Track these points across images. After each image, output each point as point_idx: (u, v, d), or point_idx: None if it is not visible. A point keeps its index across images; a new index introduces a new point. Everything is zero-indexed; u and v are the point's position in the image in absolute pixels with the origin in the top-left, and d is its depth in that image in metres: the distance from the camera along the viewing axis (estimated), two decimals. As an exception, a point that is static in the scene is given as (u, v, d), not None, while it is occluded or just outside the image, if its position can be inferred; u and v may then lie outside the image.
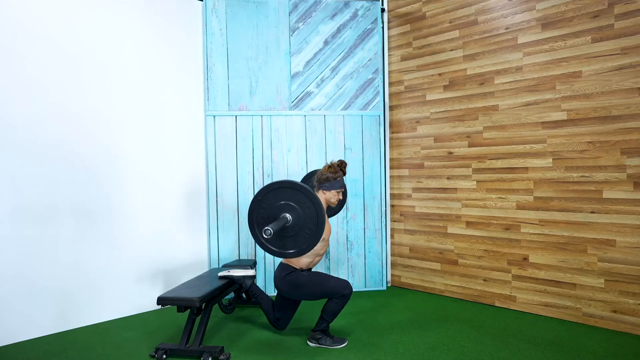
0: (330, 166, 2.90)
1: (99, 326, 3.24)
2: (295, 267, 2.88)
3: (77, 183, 3.22)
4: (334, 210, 3.41)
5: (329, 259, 4.05)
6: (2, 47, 2.89)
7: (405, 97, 4.15)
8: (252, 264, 3.57)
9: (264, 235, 2.38)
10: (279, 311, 3.00)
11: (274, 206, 2.56)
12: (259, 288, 3.11)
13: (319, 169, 3.04)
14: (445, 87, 3.88)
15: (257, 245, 3.95)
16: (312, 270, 3.01)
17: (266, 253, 3.96)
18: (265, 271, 3.98)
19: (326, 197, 2.89)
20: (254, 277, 3.09)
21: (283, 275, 2.86)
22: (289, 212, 2.55)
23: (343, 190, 2.93)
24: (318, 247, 2.82)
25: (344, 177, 2.94)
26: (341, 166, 2.91)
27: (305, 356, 2.67)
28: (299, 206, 2.54)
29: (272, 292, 3.97)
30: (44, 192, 3.06)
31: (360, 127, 4.08)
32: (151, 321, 3.34)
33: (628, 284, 2.98)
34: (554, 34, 3.27)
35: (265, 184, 3.94)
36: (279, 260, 3.88)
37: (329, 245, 2.98)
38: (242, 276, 3.04)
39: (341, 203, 3.38)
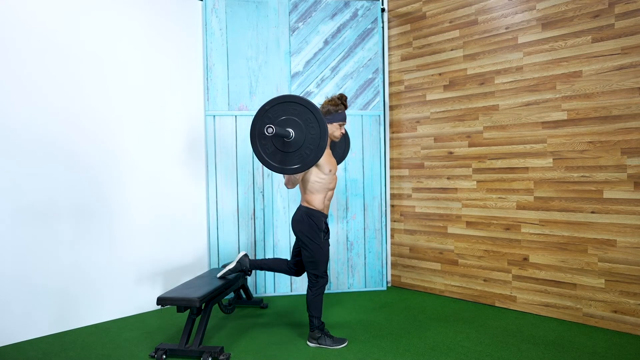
0: (330, 100, 2.85)
1: (98, 326, 3.24)
2: (312, 206, 2.82)
3: (77, 183, 3.22)
4: (339, 155, 3.33)
5: (328, 259, 4.04)
6: (1, 47, 2.89)
7: (406, 97, 4.15)
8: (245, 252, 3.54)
9: (266, 133, 2.33)
10: (297, 255, 2.99)
11: (276, 122, 2.51)
12: (257, 259, 3.10)
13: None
14: (446, 87, 3.88)
15: (256, 246, 3.95)
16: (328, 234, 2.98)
17: (266, 253, 3.96)
18: (264, 271, 3.98)
19: (329, 130, 2.83)
20: (246, 254, 3.07)
21: (301, 216, 2.82)
22: (292, 126, 2.51)
23: (344, 123, 2.89)
24: (327, 179, 2.79)
25: (345, 111, 2.89)
26: (342, 99, 2.86)
27: (305, 356, 2.67)
28: (300, 119, 2.49)
29: (277, 292, 3.97)
30: (43, 192, 3.06)
31: (360, 127, 4.08)
32: (151, 321, 3.34)
33: (628, 284, 2.98)
34: (554, 33, 3.26)
35: (266, 189, 3.94)
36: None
37: (336, 182, 2.94)
38: (238, 262, 3.03)
39: (345, 146, 3.32)
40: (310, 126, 2.49)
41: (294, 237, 3.32)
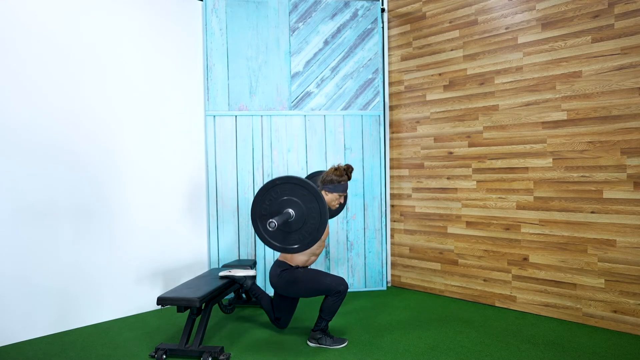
0: (336, 169, 2.90)
1: (98, 326, 3.24)
2: (290, 264, 2.88)
3: (77, 183, 3.22)
4: (331, 213, 3.40)
5: (328, 259, 4.05)
6: (1, 47, 2.89)
7: (405, 97, 4.15)
8: (252, 264, 3.57)
9: (269, 228, 2.36)
10: (278, 311, 3.00)
11: (277, 202, 2.55)
12: (259, 288, 3.12)
13: (323, 170, 3.04)
14: (446, 87, 3.88)
15: (256, 245, 3.95)
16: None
17: (266, 253, 3.96)
18: (265, 271, 3.98)
19: (328, 198, 2.88)
20: (254, 277, 3.09)
21: (279, 272, 2.86)
22: (292, 207, 2.54)
23: (345, 195, 2.93)
24: (315, 246, 2.83)
25: (348, 182, 2.94)
26: (347, 171, 2.91)
27: (305, 356, 2.67)
28: (301, 201, 2.52)
29: (271, 291, 3.96)
30: (44, 192, 3.06)
31: (360, 127, 4.08)
32: (151, 321, 3.34)
33: (628, 284, 2.98)
34: (554, 33, 3.26)
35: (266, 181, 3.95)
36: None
37: (324, 247, 2.98)
38: (244, 276, 3.04)
39: (340, 207, 3.38)
40: (311, 210, 2.52)
41: None
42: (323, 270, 4.03)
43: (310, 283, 2.79)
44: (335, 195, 2.88)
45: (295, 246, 2.57)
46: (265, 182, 2.65)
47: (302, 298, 3.17)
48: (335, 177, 2.86)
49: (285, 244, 2.59)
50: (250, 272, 3.06)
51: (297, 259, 2.88)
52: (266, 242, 2.61)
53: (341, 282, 2.76)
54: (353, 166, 4.02)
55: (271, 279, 2.90)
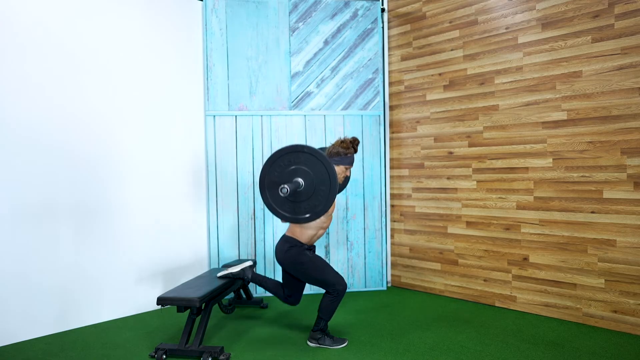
0: (342, 141, 2.86)
1: (98, 326, 3.24)
2: (298, 239, 2.83)
3: (77, 183, 3.22)
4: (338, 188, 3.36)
5: (329, 259, 4.05)
6: (1, 47, 2.89)
7: (405, 97, 4.15)
8: (252, 263, 3.57)
9: (281, 194, 2.34)
10: (288, 288, 2.95)
11: (285, 172, 2.53)
12: (260, 275, 3.08)
13: (326, 147, 3.00)
14: (446, 87, 3.88)
15: (256, 245, 3.95)
16: (314, 251, 2.98)
17: (266, 252, 3.96)
18: (265, 271, 3.98)
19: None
20: (252, 267, 3.06)
21: (286, 248, 2.82)
22: (301, 176, 2.52)
23: (351, 167, 2.90)
24: (321, 219, 2.79)
25: (354, 155, 2.90)
26: (353, 143, 2.87)
27: (305, 356, 2.67)
28: (310, 169, 2.50)
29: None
30: (44, 191, 3.06)
31: (360, 127, 4.08)
32: (151, 321, 3.34)
33: (628, 284, 2.98)
34: (554, 33, 3.26)
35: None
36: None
37: (332, 220, 2.95)
38: (242, 269, 3.02)
39: (346, 180, 3.34)
40: (321, 177, 2.50)
41: None
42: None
43: (313, 271, 2.76)
44: (341, 167, 2.84)
45: (307, 215, 2.54)
46: (272, 152, 2.60)
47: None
48: (341, 150, 2.82)
49: (296, 214, 2.55)
50: (246, 264, 3.04)
51: (306, 232, 2.83)
52: (276, 213, 2.56)
53: (341, 282, 2.75)
54: (353, 166, 4.03)
55: (277, 254, 2.86)
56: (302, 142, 4.00)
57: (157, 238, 3.66)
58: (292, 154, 2.52)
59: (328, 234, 4.02)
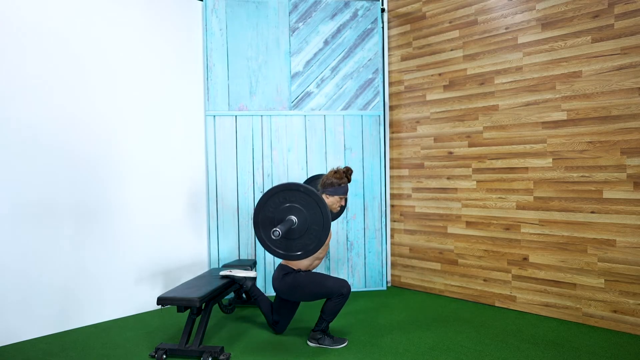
0: (336, 172, 2.91)
1: (99, 326, 3.24)
2: (294, 268, 2.89)
3: (77, 182, 3.22)
4: (332, 216, 3.40)
5: (329, 259, 4.05)
6: (2, 46, 2.89)
7: (405, 97, 4.15)
8: (252, 264, 3.57)
9: (273, 237, 2.37)
10: (277, 314, 3.00)
11: (279, 209, 2.57)
12: (259, 290, 3.12)
13: (323, 174, 3.05)
14: (445, 87, 3.88)
15: (256, 246, 3.95)
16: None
17: (266, 253, 3.96)
18: (265, 271, 3.98)
19: (329, 202, 2.89)
20: (254, 278, 3.09)
21: (282, 275, 2.87)
22: (294, 214, 2.56)
23: (345, 197, 2.94)
24: (318, 250, 2.82)
25: (348, 185, 2.95)
26: (347, 173, 2.92)
27: (305, 356, 2.67)
28: (304, 208, 2.54)
29: (271, 292, 3.97)
30: (44, 191, 3.06)
31: (360, 127, 4.08)
32: (151, 321, 3.34)
33: (628, 284, 2.98)
34: (554, 34, 3.26)
35: (266, 188, 3.95)
36: (278, 260, 3.88)
37: (328, 249, 2.98)
38: (244, 277, 3.05)
39: (341, 209, 3.37)
40: (314, 217, 2.54)
41: None
42: (324, 272, 4.03)
43: (312, 287, 2.79)
44: (336, 198, 2.89)
45: (299, 253, 2.59)
46: (266, 190, 2.65)
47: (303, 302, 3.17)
48: (335, 180, 2.87)
49: (289, 251, 2.60)
50: (250, 274, 3.07)
51: (301, 263, 2.89)
52: (269, 250, 2.61)
53: (344, 285, 2.76)
54: (353, 167, 4.03)
55: (274, 283, 2.91)
56: (302, 142, 4.00)
57: (157, 238, 3.66)
58: (288, 191, 2.55)
59: (331, 236, 4.02)
